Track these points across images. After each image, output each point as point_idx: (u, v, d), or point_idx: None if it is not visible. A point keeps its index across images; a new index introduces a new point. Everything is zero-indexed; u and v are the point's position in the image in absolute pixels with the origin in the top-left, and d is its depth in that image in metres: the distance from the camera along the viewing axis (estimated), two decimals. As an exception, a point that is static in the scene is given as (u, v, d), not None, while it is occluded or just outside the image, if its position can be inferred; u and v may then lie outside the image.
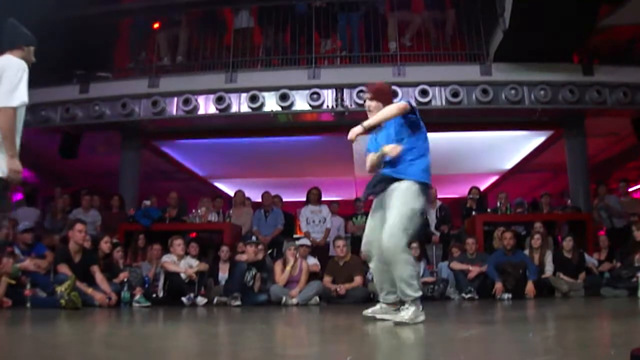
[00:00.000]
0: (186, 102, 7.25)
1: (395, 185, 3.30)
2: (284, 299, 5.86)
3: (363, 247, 3.53)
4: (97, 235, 6.49)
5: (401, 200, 3.22)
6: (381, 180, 3.40)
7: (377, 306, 3.55)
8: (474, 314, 4.44)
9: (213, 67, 7.63)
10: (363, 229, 8.03)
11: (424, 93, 7.03)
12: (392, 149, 3.31)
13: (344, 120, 7.46)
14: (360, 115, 7.25)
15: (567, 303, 5.40)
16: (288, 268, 6.13)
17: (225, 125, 8.03)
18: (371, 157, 3.55)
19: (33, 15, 7.03)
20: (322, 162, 9.93)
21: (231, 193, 9.37)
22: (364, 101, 3.61)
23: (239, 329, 3.51)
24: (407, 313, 3.15)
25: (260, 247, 6.47)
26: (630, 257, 6.28)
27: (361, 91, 7.08)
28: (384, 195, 3.38)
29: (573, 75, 7.16)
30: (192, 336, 3.12)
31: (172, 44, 8.08)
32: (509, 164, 10.49)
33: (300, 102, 7.22)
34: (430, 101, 7.05)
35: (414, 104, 3.40)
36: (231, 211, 7.87)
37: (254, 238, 6.94)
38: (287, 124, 7.83)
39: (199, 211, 7.30)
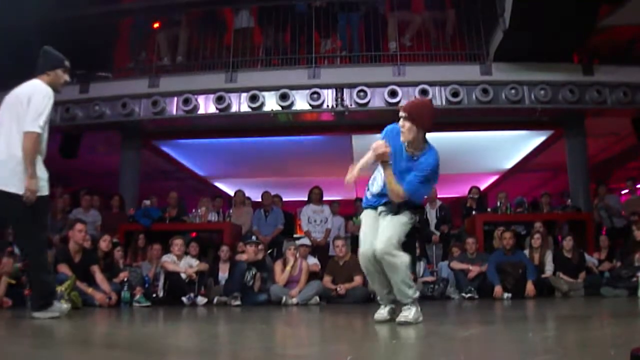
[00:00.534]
0: (186, 102, 7.25)
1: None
2: (284, 298, 5.87)
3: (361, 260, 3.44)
4: (97, 235, 6.50)
5: (397, 219, 3.29)
6: (387, 203, 3.37)
7: (388, 307, 3.45)
8: (474, 314, 4.44)
9: (213, 67, 7.63)
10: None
11: (424, 93, 7.03)
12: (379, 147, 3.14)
13: (344, 120, 7.47)
14: (360, 115, 7.34)
15: (567, 303, 5.40)
16: (288, 268, 6.13)
17: (225, 125, 8.03)
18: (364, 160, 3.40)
19: (33, 15, 7.05)
20: (322, 162, 9.93)
21: (231, 193, 9.38)
22: (399, 118, 3.21)
23: (239, 329, 3.51)
24: (410, 313, 3.18)
25: (260, 246, 6.47)
26: (630, 256, 6.29)
27: (361, 91, 7.10)
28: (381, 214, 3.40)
29: (573, 75, 7.16)
30: (192, 336, 3.12)
31: (172, 44, 8.08)
32: (509, 164, 10.49)
33: (300, 102, 7.22)
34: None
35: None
36: (231, 211, 7.87)
37: (254, 238, 6.94)
38: (287, 123, 7.83)
39: (199, 211, 7.30)
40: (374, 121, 7.93)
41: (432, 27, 7.88)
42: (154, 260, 6.43)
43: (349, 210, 8.53)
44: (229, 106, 7.25)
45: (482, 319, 3.87)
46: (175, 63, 8.00)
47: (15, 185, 3.47)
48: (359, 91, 7.09)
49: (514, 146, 9.44)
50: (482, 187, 10.76)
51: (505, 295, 5.98)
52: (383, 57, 7.58)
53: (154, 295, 5.95)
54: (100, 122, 7.51)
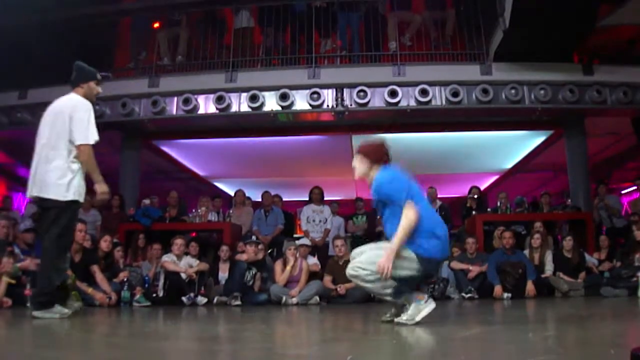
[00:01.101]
0: (186, 101, 7.24)
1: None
2: (284, 298, 5.87)
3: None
4: (97, 234, 6.50)
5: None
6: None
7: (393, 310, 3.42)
8: (474, 314, 4.44)
9: (213, 66, 7.62)
10: (363, 229, 8.05)
11: (424, 93, 7.03)
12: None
13: (344, 120, 7.47)
14: (360, 114, 7.34)
15: (567, 303, 5.40)
16: (288, 268, 6.13)
17: (225, 125, 8.03)
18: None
19: (33, 15, 7.06)
20: (322, 162, 9.93)
21: (231, 193, 9.38)
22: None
23: (239, 329, 3.51)
24: (407, 314, 3.18)
25: (260, 246, 6.47)
26: (630, 256, 6.29)
27: (361, 91, 7.10)
28: None
29: (573, 75, 7.16)
30: (192, 336, 3.12)
31: (172, 44, 8.09)
32: (509, 164, 10.49)
33: (300, 102, 7.22)
34: (430, 101, 7.05)
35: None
36: (231, 211, 7.87)
37: (254, 238, 6.95)
38: (287, 123, 7.82)
39: (199, 211, 7.30)
40: (374, 121, 7.96)
41: (432, 27, 7.87)
42: (154, 260, 6.43)
43: (349, 211, 8.53)
44: (229, 106, 7.25)
45: (482, 319, 3.87)
46: (175, 63, 8.00)
47: (54, 192, 3.72)
48: (359, 91, 7.08)
49: (514, 146, 9.43)
50: (482, 187, 10.76)
51: (505, 295, 5.99)
52: (383, 57, 7.58)
53: (154, 295, 5.95)
54: (100, 122, 7.46)
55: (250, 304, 5.81)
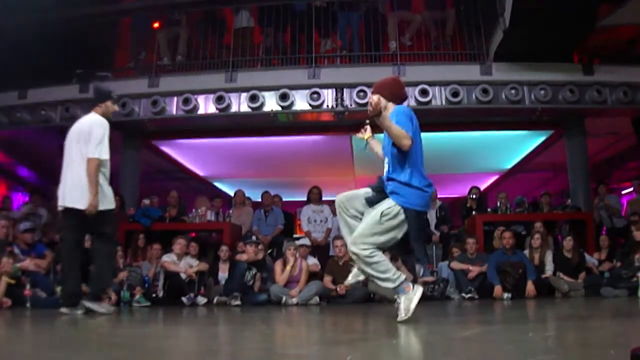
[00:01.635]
0: (186, 101, 7.24)
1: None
2: (284, 298, 5.86)
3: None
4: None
5: (375, 215, 3.22)
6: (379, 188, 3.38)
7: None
8: (474, 314, 4.44)
9: (213, 66, 7.62)
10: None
11: (424, 93, 7.03)
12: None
13: (344, 120, 7.47)
14: (360, 114, 7.33)
15: (567, 303, 5.40)
16: (288, 268, 6.13)
17: (225, 125, 8.02)
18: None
19: (33, 15, 7.06)
20: (322, 162, 9.93)
21: (231, 193, 9.37)
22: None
23: (239, 329, 3.51)
24: (401, 309, 3.19)
25: (260, 246, 6.47)
26: (630, 256, 6.29)
27: (361, 91, 7.10)
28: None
29: (573, 75, 7.16)
30: (192, 336, 3.12)
31: (172, 44, 8.08)
32: (509, 164, 10.49)
33: (300, 102, 7.21)
34: (430, 101, 7.05)
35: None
36: (231, 211, 7.87)
37: (253, 238, 6.95)
38: (287, 123, 7.82)
39: (198, 211, 7.30)
40: (374, 121, 7.94)
41: (432, 27, 7.87)
42: (153, 260, 6.43)
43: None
44: (229, 106, 7.24)
45: (482, 319, 3.87)
46: (175, 63, 8.00)
47: (84, 204, 4.17)
48: (359, 91, 7.08)
49: (514, 146, 9.43)
50: (482, 187, 10.77)
51: (505, 295, 5.98)
52: (383, 56, 7.57)
53: (154, 295, 5.95)
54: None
55: (250, 304, 5.81)
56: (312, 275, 6.30)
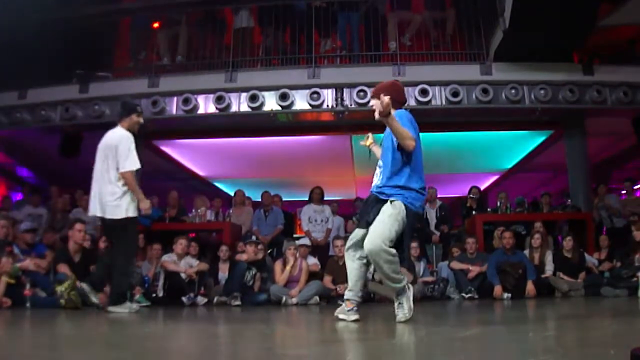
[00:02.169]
0: (186, 101, 7.24)
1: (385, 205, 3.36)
2: (283, 298, 5.87)
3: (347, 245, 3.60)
4: (97, 234, 6.50)
5: (386, 213, 3.30)
6: (373, 201, 3.44)
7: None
8: (474, 314, 4.44)
9: (213, 66, 7.62)
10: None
11: (424, 92, 7.03)
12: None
13: (344, 120, 7.47)
14: (360, 114, 7.33)
15: (567, 303, 5.40)
16: (288, 268, 6.13)
17: (225, 125, 8.02)
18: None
19: (33, 15, 7.05)
20: (322, 162, 9.92)
21: (231, 193, 9.37)
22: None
23: (239, 329, 3.51)
24: (403, 310, 3.29)
25: (260, 246, 6.47)
26: (630, 256, 6.29)
27: (361, 91, 7.10)
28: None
29: (573, 75, 7.15)
30: (192, 336, 3.12)
31: (172, 44, 8.08)
32: (509, 164, 10.49)
33: (300, 102, 7.21)
34: (430, 101, 7.05)
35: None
36: (231, 211, 7.87)
37: (253, 238, 6.94)
38: (287, 123, 7.82)
39: (198, 211, 7.30)
40: (373, 121, 7.94)
41: (432, 27, 7.87)
42: (153, 260, 6.43)
43: (349, 210, 8.53)
44: (228, 106, 7.24)
45: (482, 319, 3.87)
46: (175, 63, 7.99)
47: (111, 213, 4.49)
48: (359, 91, 7.08)
49: (514, 146, 9.43)
50: (482, 187, 10.76)
51: (505, 295, 5.98)
52: (383, 56, 7.57)
53: (154, 295, 5.95)
54: (100, 122, 7.50)
55: (250, 304, 5.81)
56: (312, 275, 6.30)
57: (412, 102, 7.07)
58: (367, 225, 3.36)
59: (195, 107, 7.32)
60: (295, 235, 8.23)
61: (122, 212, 4.50)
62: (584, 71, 7.19)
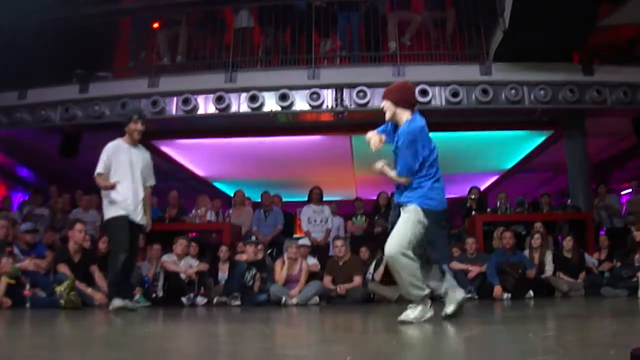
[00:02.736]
0: (186, 101, 7.24)
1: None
2: (283, 299, 5.87)
3: None
4: (96, 235, 6.50)
5: (402, 219, 3.31)
6: (396, 206, 3.47)
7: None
8: (474, 314, 4.44)
9: (213, 66, 7.62)
10: (362, 229, 8.06)
11: (424, 93, 7.02)
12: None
13: (344, 120, 7.46)
14: (359, 115, 7.33)
15: (567, 303, 5.40)
16: (285, 266, 6.14)
17: (225, 125, 8.02)
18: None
19: (33, 15, 7.05)
20: (322, 162, 9.92)
21: (231, 193, 9.37)
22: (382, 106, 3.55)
23: (239, 329, 3.51)
24: (414, 312, 3.22)
25: (259, 246, 6.47)
26: (630, 257, 6.29)
27: (361, 91, 7.10)
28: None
29: (573, 75, 7.15)
30: (192, 336, 3.11)
31: (172, 44, 8.08)
32: (509, 164, 10.49)
33: (300, 102, 7.21)
34: (430, 101, 7.04)
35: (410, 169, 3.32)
36: (231, 211, 7.87)
37: (253, 238, 6.94)
38: (287, 124, 7.81)
39: (198, 211, 7.30)
40: (373, 121, 7.93)
41: (432, 27, 7.87)
42: (153, 260, 6.43)
43: (349, 210, 8.53)
44: (228, 106, 7.24)
45: (482, 319, 3.87)
46: (175, 63, 7.99)
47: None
48: (359, 91, 7.07)
49: (514, 146, 9.43)
50: (482, 187, 10.75)
51: (505, 295, 5.98)
52: (383, 57, 7.56)
53: (154, 295, 5.95)
54: (100, 122, 7.51)
55: (250, 304, 5.81)
56: (312, 275, 6.30)
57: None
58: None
59: (195, 108, 7.32)
60: (295, 236, 8.23)
61: (105, 214, 4.80)
62: (584, 71, 7.18)
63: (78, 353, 2.40)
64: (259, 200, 8.06)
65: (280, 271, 6.16)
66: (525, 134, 8.71)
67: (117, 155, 4.83)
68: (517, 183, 11.21)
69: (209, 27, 7.93)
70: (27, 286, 5.20)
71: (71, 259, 5.51)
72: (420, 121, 3.37)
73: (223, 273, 6.31)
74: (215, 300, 5.94)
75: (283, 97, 7.13)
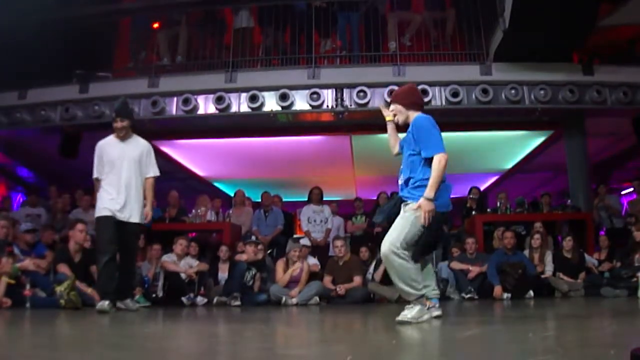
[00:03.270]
0: (186, 101, 7.24)
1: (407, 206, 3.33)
2: (283, 299, 5.87)
3: None
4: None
5: (404, 216, 3.29)
6: (396, 203, 3.45)
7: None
8: (474, 314, 4.44)
9: (213, 66, 7.62)
10: (362, 229, 8.05)
11: (424, 93, 7.02)
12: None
13: (344, 120, 7.46)
14: (360, 115, 7.34)
15: (567, 303, 5.40)
16: (290, 271, 6.14)
17: (225, 125, 8.02)
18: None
19: (33, 15, 7.05)
20: (322, 162, 9.92)
21: (231, 193, 9.37)
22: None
23: (239, 329, 3.51)
24: (411, 312, 3.19)
25: (259, 247, 6.47)
26: (630, 257, 6.29)
27: (361, 91, 7.10)
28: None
29: (573, 75, 7.15)
30: (192, 336, 3.12)
31: (172, 44, 8.08)
32: (509, 164, 10.49)
33: (300, 102, 7.21)
34: (430, 101, 7.04)
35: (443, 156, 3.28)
36: (231, 211, 7.87)
37: (253, 238, 6.94)
38: (287, 124, 7.82)
39: (198, 211, 7.30)
40: (373, 121, 7.94)
41: (432, 27, 7.87)
42: (153, 260, 6.43)
43: (348, 210, 8.53)
44: (228, 106, 7.24)
45: (482, 319, 3.87)
46: (175, 63, 7.99)
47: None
48: (359, 91, 7.08)
49: (514, 146, 9.43)
50: (482, 187, 10.76)
51: (505, 295, 5.98)
52: (383, 57, 7.57)
53: (154, 295, 5.95)
54: (100, 122, 7.50)
55: (250, 304, 5.81)
56: (312, 275, 6.30)
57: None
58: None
59: (195, 108, 7.32)
60: (295, 236, 8.23)
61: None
62: (584, 71, 7.18)
63: (78, 353, 2.40)
64: (259, 200, 8.06)
65: (283, 272, 6.16)
66: (525, 134, 8.72)
67: (106, 152, 4.79)
68: (517, 183, 11.21)
69: (209, 27, 7.93)
70: (27, 286, 5.19)
71: (71, 259, 5.51)
72: (430, 118, 3.46)
73: (223, 273, 6.32)
74: (215, 300, 5.94)
75: (283, 97, 7.13)
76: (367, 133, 8.11)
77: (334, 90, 7.21)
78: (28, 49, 7.15)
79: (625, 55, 7.56)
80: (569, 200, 7.65)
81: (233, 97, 7.27)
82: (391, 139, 3.71)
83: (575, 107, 7.13)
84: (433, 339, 2.71)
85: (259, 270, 6.17)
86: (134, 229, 4.77)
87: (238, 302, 5.73)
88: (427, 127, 3.35)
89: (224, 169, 10.76)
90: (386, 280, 6.09)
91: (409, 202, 3.32)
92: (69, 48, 7.40)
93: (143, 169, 4.85)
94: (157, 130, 8.18)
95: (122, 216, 4.64)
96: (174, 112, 7.37)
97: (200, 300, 5.90)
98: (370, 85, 7.13)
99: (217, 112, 7.26)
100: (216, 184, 11.75)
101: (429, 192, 3.19)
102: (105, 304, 4.44)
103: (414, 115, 3.47)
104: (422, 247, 3.28)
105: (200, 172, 10.91)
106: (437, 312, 3.41)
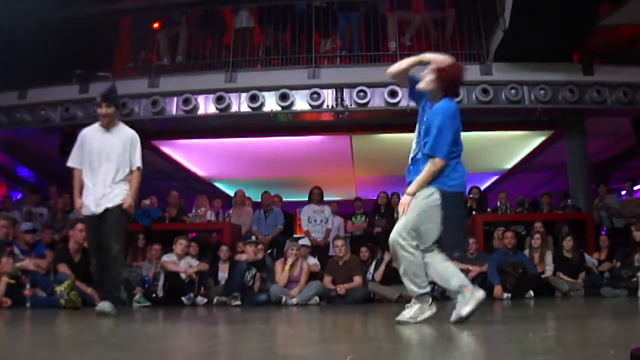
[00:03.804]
0: (186, 101, 7.24)
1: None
2: (283, 299, 5.87)
3: None
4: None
5: (415, 203, 3.13)
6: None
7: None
8: (474, 314, 4.43)
9: (213, 66, 7.63)
10: (362, 229, 8.05)
11: (424, 93, 7.02)
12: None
13: (344, 120, 7.47)
14: (360, 115, 7.34)
15: (567, 303, 5.40)
16: (286, 267, 6.14)
17: (225, 125, 8.02)
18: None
19: (33, 15, 7.05)
20: (322, 162, 9.92)
21: (231, 193, 9.37)
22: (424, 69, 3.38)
23: (239, 329, 3.51)
24: (410, 312, 3.15)
25: (260, 246, 6.47)
26: (630, 257, 6.29)
27: (361, 91, 7.09)
28: None
29: (573, 75, 7.16)
30: (192, 336, 3.11)
31: (172, 44, 8.08)
32: (509, 164, 10.49)
33: (300, 102, 7.21)
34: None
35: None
36: (231, 211, 7.87)
37: (253, 238, 6.94)
38: (287, 123, 7.82)
39: (198, 211, 7.30)
40: (373, 121, 7.95)
41: (432, 27, 7.87)
42: (153, 260, 6.43)
43: (348, 210, 8.53)
44: (228, 106, 7.24)
45: (482, 319, 3.86)
46: (175, 63, 8.00)
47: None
48: (359, 91, 7.08)
49: (514, 146, 9.43)
50: (482, 187, 10.76)
51: (505, 295, 5.98)
52: (383, 57, 7.56)
53: (154, 295, 5.95)
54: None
55: (250, 304, 5.81)
56: (312, 275, 6.30)
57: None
58: None
59: (195, 107, 7.32)
60: (295, 236, 8.23)
61: None
62: (584, 71, 7.19)
63: (78, 353, 2.40)
64: (259, 200, 8.05)
65: (282, 273, 6.16)
66: (525, 134, 8.72)
67: (87, 142, 4.47)
68: (517, 183, 11.21)
69: (209, 27, 7.94)
70: (27, 286, 5.20)
71: (72, 259, 5.51)
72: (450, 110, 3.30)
73: (223, 273, 6.32)
74: (215, 300, 5.94)
75: (283, 97, 7.13)
76: (367, 133, 8.11)
77: (334, 90, 7.22)
78: (28, 49, 7.16)
79: (625, 55, 7.56)
80: (569, 200, 7.65)
81: (233, 97, 7.27)
82: (402, 74, 3.57)
83: (575, 107, 7.13)
84: (433, 338, 2.71)
85: (259, 270, 6.17)
86: (115, 214, 4.31)
87: (238, 302, 5.73)
88: (441, 125, 3.20)
89: (224, 169, 10.76)
90: (386, 280, 6.10)
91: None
92: (69, 48, 7.41)
93: (127, 160, 4.52)
94: (157, 130, 8.18)
95: (101, 209, 4.28)
96: (174, 112, 7.37)
97: (201, 300, 5.90)
98: (370, 85, 7.13)
99: (217, 112, 7.26)
100: (216, 184, 11.75)
101: (412, 188, 3.12)
102: (105, 305, 4.32)
103: (441, 98, 3.29)
104: (450, 234, 3.15)
105: (200, 172, 10.91)
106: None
